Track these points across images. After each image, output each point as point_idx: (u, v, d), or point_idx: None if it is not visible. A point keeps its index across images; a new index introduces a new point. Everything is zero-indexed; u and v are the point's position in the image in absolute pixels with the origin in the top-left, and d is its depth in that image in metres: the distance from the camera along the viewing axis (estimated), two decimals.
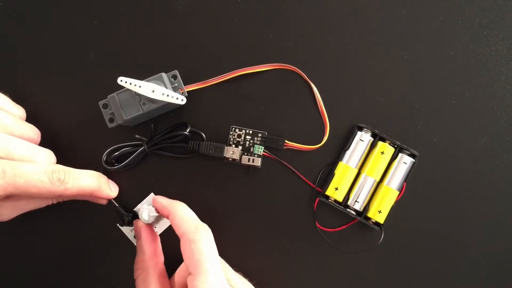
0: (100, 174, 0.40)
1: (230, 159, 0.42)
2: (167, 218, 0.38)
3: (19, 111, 0.40)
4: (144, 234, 0.40)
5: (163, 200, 0.39)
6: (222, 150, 0.41)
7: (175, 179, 0.42)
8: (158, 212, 0.40)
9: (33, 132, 0.39)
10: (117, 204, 0.41)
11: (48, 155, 0.38)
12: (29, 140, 0.38)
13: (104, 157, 0.41)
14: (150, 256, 0.39)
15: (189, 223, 0.36)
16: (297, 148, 0.42)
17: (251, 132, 0.42)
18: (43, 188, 0.35)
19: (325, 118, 0.42)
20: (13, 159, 0.35)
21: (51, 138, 0.41)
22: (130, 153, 0.41)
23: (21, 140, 0.37)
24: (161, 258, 0.40)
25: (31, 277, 0.42)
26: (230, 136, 0.42)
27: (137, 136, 0.41)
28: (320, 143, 0.42)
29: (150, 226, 0.41)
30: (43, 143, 0.40)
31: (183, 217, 0.37)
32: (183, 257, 0.35)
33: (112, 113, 0.39)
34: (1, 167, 0.33)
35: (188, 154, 0.42)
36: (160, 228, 0.42)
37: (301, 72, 0.42)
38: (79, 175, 0.37)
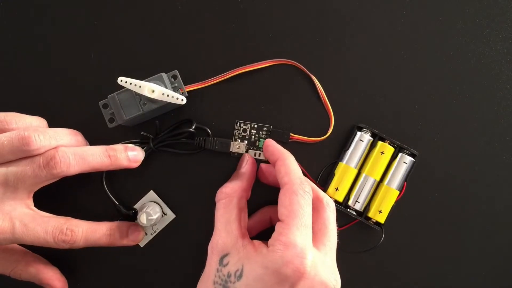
0: (118, 224, 0.39)
1: (236, 154, 0.42)
2: (273, 164, 0.38)
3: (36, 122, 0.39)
4: (248, 168, 0.40)
5: (275, 146, 0.39)
6: (228, 145, 0.41)
7: (181, 175, 0.42)
8: (267, 156, 0.40)
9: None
10: (117, 202, 0.41)
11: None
12: None
13: None
14: (243, 187, 0.38)
15: (296, 175, 0.36)
16: (302, 140, 0.42)
17: (256, 126, 0.42)
18: (46, 245, 0.36)
19: (329, 108, 0.42)
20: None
21: None
22: None
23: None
24: (249, 194, 0.40)
25: None
26: (235, 131, 0.42)
27: (143, 133, 0.41)
28: (324, 135, 0.42)
29: (255, 164, 0.41)
30: None
31: (291, 167, 0.37)
32: (278, 203, 0.35)
33: (112, 113, 0.39)
34: (11, 223, 0.35)
35: (194, 150, 0.42)
36: (160, 225, 0.42)
37: (301, 66, 0.42)
38: (87, 235, 0.37)
